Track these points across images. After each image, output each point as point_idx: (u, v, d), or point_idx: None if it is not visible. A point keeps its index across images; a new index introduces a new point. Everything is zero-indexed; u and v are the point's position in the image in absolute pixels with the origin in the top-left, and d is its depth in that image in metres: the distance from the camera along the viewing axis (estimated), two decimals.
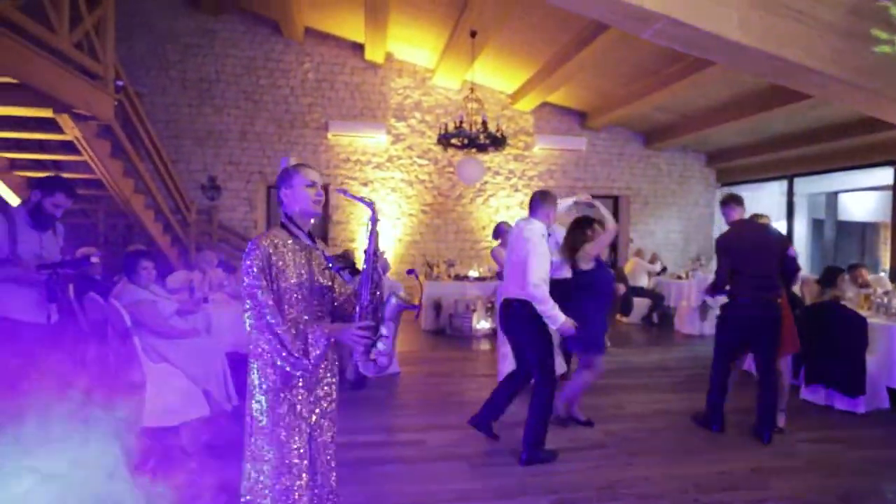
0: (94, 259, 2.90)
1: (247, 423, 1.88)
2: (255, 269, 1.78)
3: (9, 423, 2.60)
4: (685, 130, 8.63)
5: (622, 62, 7.00)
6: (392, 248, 9.21)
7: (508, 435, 3.67)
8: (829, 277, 4.85)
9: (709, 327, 7.10)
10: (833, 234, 10.51)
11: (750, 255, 3.62)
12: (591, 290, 3.58)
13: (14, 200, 5.49)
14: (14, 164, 5.42)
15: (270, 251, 1.82)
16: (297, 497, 1.83)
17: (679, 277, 8.12)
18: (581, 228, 3.70)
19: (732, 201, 3.84)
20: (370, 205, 1.95)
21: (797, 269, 3.97)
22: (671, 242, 10.19)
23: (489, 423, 3.48)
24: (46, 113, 4.35)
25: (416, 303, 2.08)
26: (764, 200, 9.67)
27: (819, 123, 7.36)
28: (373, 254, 1.92)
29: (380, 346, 1.84)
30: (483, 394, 4.52)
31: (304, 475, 1.84)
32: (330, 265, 1.97)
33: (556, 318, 3.06)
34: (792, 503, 2.79)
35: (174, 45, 8.52)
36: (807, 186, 9.54)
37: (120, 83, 5.06)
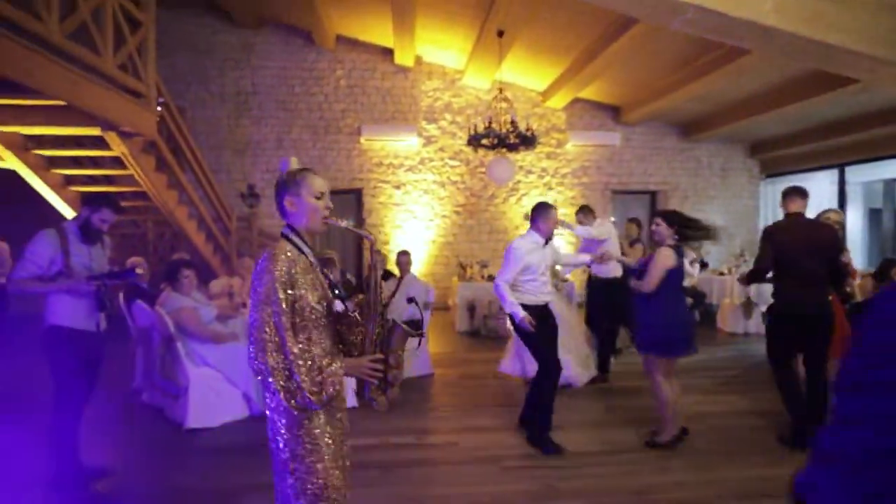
0: (138, 270, 3.05)
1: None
2: (275, 289, 1.54)
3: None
4: (725, 121, 8.32)
5: (655, 54, 6.82)
6: (426, 249, 9.29)
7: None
8: (882, 270, 4.59)
9: (753, 325, 6.83)
10: (893, 224, 9.88)
11: (801, 251, 3.41)
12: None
13: (70, 214, 5.86)
14: (69, 181, 5.77)
15: (292, 268, 1.59)
16: None
17: (721, 273, 7.83)
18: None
19: (793, 192, 3.63)
20: (369, 237, 1.76)
21: (847, 274, 3.71)
22: None
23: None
24: (95, 131, 4.63)
25: (421, 333, 1.93)
26: (812, 190, 9.19)
27: (870, 107, 6.95)
28: (375, 285, 1.78)
29: (389, 377, 1.70)
30: (518, 396, 4.52)
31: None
32: (336, 291, 1.75)
33: (516, 313, 3.37)
34: None
35: (213, 60, 8.87)
36: (861, 174, 9.01)
37: (162, 100, 5.31)
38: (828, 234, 3.52)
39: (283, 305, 1.54)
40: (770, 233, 3.60)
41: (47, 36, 3.40)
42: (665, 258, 3.24)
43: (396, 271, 5.62)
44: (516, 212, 9.51)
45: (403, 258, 5.42)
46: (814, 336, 3.43)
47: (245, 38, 8.91)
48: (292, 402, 1.53)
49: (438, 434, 3.71)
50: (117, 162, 5.62)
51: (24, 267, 2.79)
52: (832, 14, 3.90)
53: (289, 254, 1.62)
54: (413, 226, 9.30)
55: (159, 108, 5.22)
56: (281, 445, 1.61)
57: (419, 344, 4.60)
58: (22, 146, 5.02)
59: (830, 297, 3.46)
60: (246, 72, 8.94)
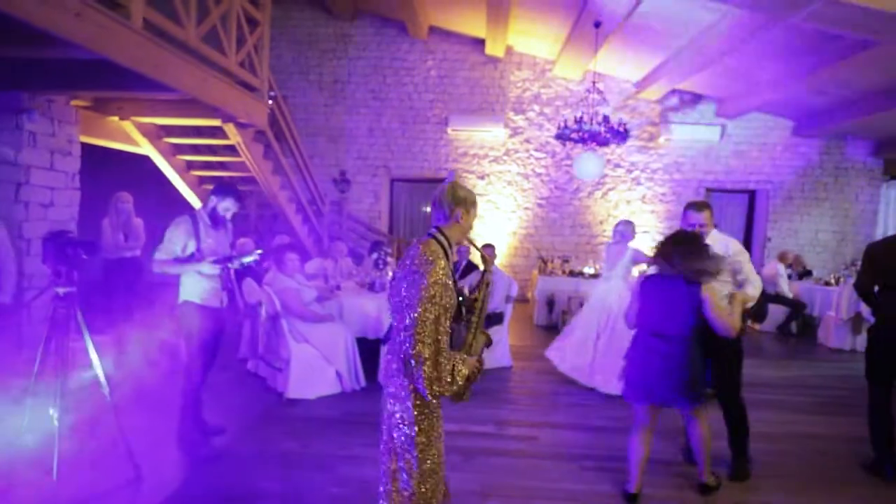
0: (256, 255, 3.38)
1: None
2: (440, 290, 1.70)
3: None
4: (846, 115, 7.57)
5: (768, 43, 6.33)
6: (506, 241, 9.33)
7: (621, 439, 3.64)
8: None
9: (861, 342, 6.26)
10: None
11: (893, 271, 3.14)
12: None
13: (190, 196, 6.53)
14: (189, 166, 6.42)
15: (448, 271, 1.76)
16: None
17: (827, 283, 7.23)
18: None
19: None
20: (490, 253, 2.00)
21: None
22: (820, 243, 9.05)
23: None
24: (216, 122, 5.12)
25: (490, 341, 2.04)
26: None
27: None
28: (486, 291, 1.98)
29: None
30: (596, 394, 4.51)
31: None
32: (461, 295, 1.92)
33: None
34: None
35: (313, 51, 9.37)
36: None
37: (273, 94, 5.73)
38: None
39: (446, 307, 1.73)
40: (871, 250, 3.32)
41: (186, 40, 3.80)
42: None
43: (480, 264, 5.74)
44: (602, 206, 9.29)
45: (488, 251, 5.52)
46: None
47: (342, 30, 9.32)
48: (433, 388, 1.71)
49: (518, 426, 3.82)
50: (230, 150, 6.17)
51: (163, 249, 3.20)
52: None
53: (446, 258, 1.80)
54: (495, 217, 9.37)
55: (270, 101, 5.64)
56: (409, 424, 1.80)
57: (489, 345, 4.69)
58: (155, 135, 5.66)
59: None
60: (342, 62, 9.36)
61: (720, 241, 3.09)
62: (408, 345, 1.72)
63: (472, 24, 8.60)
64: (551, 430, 3.77)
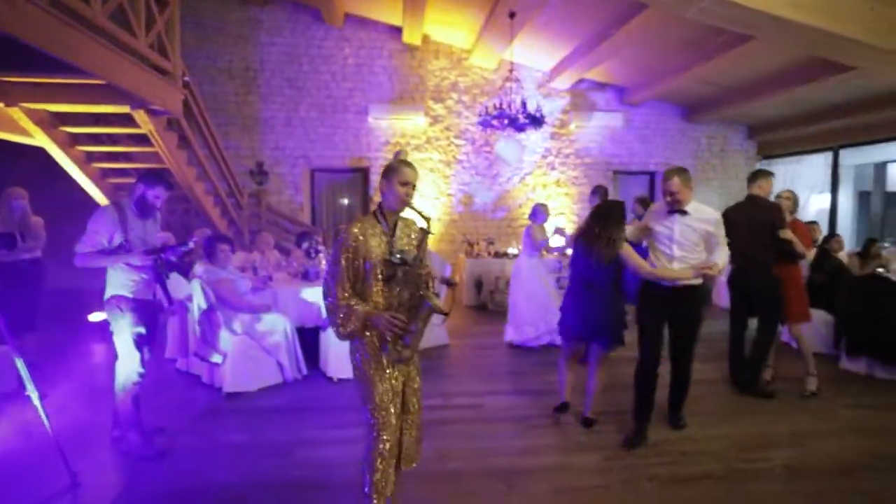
0: (190, 244, 3.26)
1: None
2: (337, 252, 2.04)
3: None
4: (728, 103, 8.53)
5: (664, 36, 6.96)
6: (432, 227, 9.48)
7: (558, 400, 3.95)
8: (866, 250, 4.93)
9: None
10: (881, 206, 10.23)
11: (743, 229, 3.86)
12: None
13: (91, 189, 6.01)
14: (91, 157, 5.89)
15: (355, 239, 2.04)
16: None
17: None
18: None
19: (752, 176, 4.18)
20: (427, 221, 2.20)
21: (794, 250, 3.90)
22: None
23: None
24: (124, 109, 4.76)
25: (446, 312, 2.36)
26: (805, 173, 9.50)
27: (866, 93, 7.19)
28: (419, 261, 2.13)
29: (406, 339, 2.05)
30: (531, 362, 4.82)
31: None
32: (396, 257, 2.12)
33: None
34: (828, 461, 2.99)
35: (222, 36, 8.88)
36: (852, 158, 9.29)
37: (187, 79, 5.42)
38: (765, 214, 3.92)
39: (342, 263, 2.03)
40: (724, 214, 3.93)
41: (93, 18, 3.52)
42: None
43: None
44: (520, 190, 9.73)
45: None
46: (758, 303, 3.97)
47: (252, 14, 8.91)
48: (339, 331, 2.06)
49: (463, 396, 4.01)
50: (136, 140, 5.75)
51: (87, 241, 2.99)
52: (837, 6, 4.11)
53: (362, 224, 2.10)
54: (419, 204, 9.48)
55: (184, 87, 5.33)
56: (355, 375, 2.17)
57: (443, 321, 5.08)
58: (49, 123, 5.14)
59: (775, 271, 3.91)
60: (254, 48, 8.97)
61: (700, 211, 3.19)
62: (323, 297, 2.09)
63: (388, 12, 8.60)
64: (494, 397, 4.00)
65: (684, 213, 3.12)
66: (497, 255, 8.08)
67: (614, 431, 3.37)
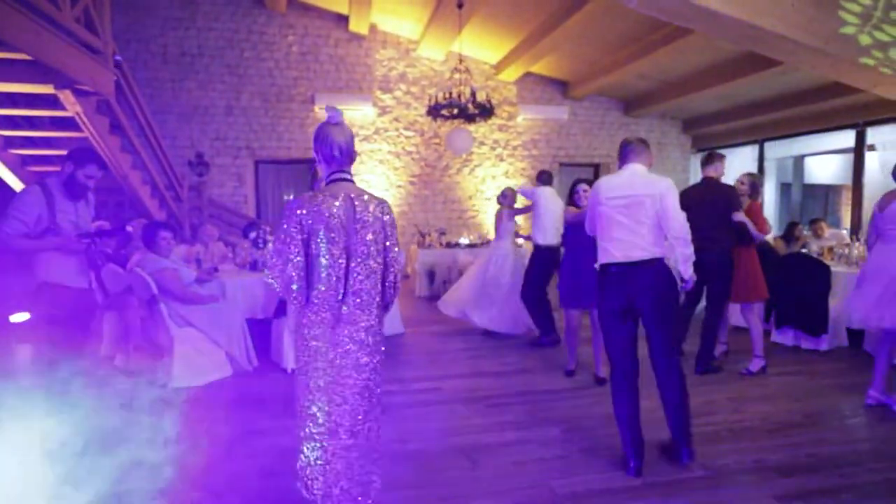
0: (129, 228, 3.05)
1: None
2: (284, 229, 1.89)
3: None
4: (664, 98, 8.96)
5: (606, 31, 7.22)
6: None
7: (516, 380, 4.03)
8: (788, 233, 5.33)
9: None
10: (800, 196, 11.09)
11: (697, 210, 3.88)
12: None
13: (10, 179, 5.52)
14: (8, 143, 5.41)
15: (303, 213, 1.90)
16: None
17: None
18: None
19: (706, 159, 4.32)
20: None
21: (747, 232, 4.10)
22: None
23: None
24: (47, 89, 4.39)
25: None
26: (735, 165, 10.13)
27: (788, 89, 7.76)
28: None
29: None
30: (486, 347, 4.88)
31: None
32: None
33: None
34: (764, 422, 3.21)
35: (153, 19, 8.38)
36: (776, 151, 10.01)
37: (118, 58, 5.08)
38: (717, 197, 4.09)
39: (286, 245, 1.90)
40: (681, 195, 4.14)
41: None
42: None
43: None
44: (470, 182, 9.81)
45: None
46: (708, 283, 4.08)
47: None
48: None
49: (420, 381, 4.00)
50: (60, 124, 5.33)
51: (10, 224, 2.74)
52: (764, 2, 4.40)
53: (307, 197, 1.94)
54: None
55: (116, 67, 4.99)
56: None
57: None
58: None
59: (731, 250, 4.08)
60: (191, 32, 8.53)
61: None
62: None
63: (333, 0, 8.41)
64: (452, 380, 4.02)
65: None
66: (449, 245, 8.10)
67: (572, 406, 3.46)
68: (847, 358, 4.51)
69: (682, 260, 2.74)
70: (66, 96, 4.48)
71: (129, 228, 3.06)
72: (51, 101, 4.71)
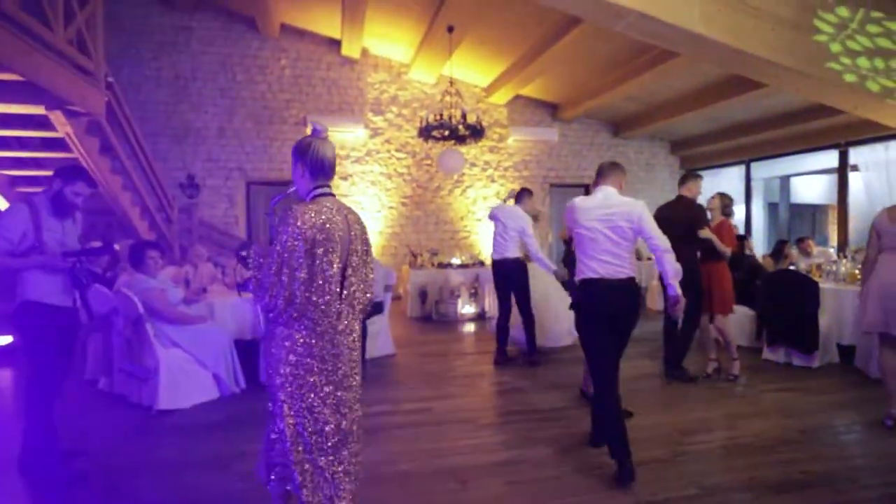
0: (116, 246, 3.01)
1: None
2: (285, 242, 1.83)
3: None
4: (652, 120, 9.12)
5: (594, 54, 7.38)
6: (375, 240, 9.39)
7: (508, 399, 3.98)
8: (776, 250, 5.38)
9: None
10: (787, 215, 11.25)
11: (666, 227, 4.03)
12: None
13: None
14: None
15: (307, 225, 1.89)
16: None
17: (649, 259, 8.59)
18: None
19: (681, 179, 4.49)
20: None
21: (714, 248, 4.23)
22: None
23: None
24: (38, 110, 4.39)
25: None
26: (723, 185, 10.27)
27: (772, 111, 7.93)
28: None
29: None
30: (477, 368, 4.83)
31: None
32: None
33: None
34: (758, 439, 3.18)
35: (148, 43, 8.47)
36: (762, 171, 10.19)
37: (110, 79, 5.11)
38: (685, 214, 4.23)
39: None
40: (655, 212, 4.25)
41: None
42: None
43: None
44: (462, 203, 9.86)
45: None
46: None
47: (181, 21, 8.58)
48: None
49: (411, 402, 3.93)
50: (50, 145, 5.32)
51: None
52: (747, 26, 4.52)
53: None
54: (361, 217, 9.34)
55: (108, 88, 5.01)
56: None
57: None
58: None
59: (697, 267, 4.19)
60: (185, 56, 8.62)
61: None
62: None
63: (325, 24, 8.55)
64: (443, 401, 3.96)
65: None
66: (440, 265, 8.09)
67: (565, 426, 3.41)
68: (839, 374, 4.50)
69: (673, 274, 2.79)
70: (56, 117, 4.48)
71: (116, 247, 3.02)
72: (41, 122, 4.71)
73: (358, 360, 2.00)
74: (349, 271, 1.91)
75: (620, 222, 2.80)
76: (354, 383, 1.96)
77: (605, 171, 2.98)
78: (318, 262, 1.81)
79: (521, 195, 5.25)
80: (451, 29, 7.05)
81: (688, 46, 4.80)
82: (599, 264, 2.80)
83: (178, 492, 2.62)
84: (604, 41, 6.70)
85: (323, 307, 1.84)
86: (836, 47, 4.47)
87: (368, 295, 2.00)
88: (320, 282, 1.82)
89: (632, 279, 2.84)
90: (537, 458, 2.95)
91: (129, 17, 8.33)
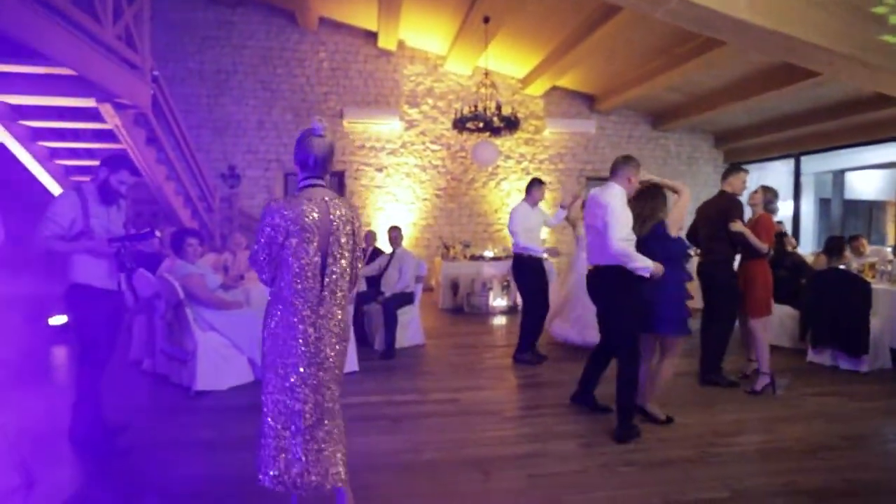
0: (157, 234, 3.14)
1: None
2: (265, 230, 2.09)
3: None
4: (694, 111, 8.80)
5: (632, 44, 7.17)
6: (407, 231, 9.46)
7: (536, 393, 3.95)
8: (832, 247, 5.09)
9: None
10: (840, 212, 10.67)
11: (701, 222, 4.23)
12: (676, 262, 3.26)
13: (55, 188, 5.79)
14: (53, 154, 5.69)
15: (281, 214, 2.10)
16: None
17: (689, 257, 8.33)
18: (654, 196, 3.45)
19: (724, 173, 4.31)
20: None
21: (747, 244, 3.98)
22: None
23: (590, 397, 3.53)
24: (89, 103, 4.61)
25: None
26: (769, 180, 9.83)
27: (825, 101, 7.52)
28: None
29: None
30: (506, 361, 4.81)
31: None
32: None
33: (646, 266, 2.96)
34: (798, 444, 3.04)
35: (192, 37, 8.75)
36: (813, 165, 9.70)
37: (155, 73, 5.30)
38: (718, 208, 4.08)
39: None
40: (697, 209, 4.33)
41: (54, 0, 3.41)
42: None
43: (386, 248, 5.84)
44: (496, 195, 9.80)
45: (394, 233, 5.62)
46: (713, 295, 4.08)
47: (223, 16, 8.82)
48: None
49: (439, 392, 3.96)
50: (99, 136, 5.57)
51: (47, 226, 2.85)
52: (797, 10, 4.29)
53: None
54: (395, 208, 9.47)
55: (153, 82, 5.21)
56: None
57: None
58: (8, 116, 4.94)
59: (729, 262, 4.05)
60: (227, 50, 8.86)
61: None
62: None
63: (363, 17, 8.62)
64: (471, 392, 3.96)
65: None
66: (473, 258, 8.08)
67: (592, 420, 3.36)
68: (890, 380, 4.26)
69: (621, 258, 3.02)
70: (106, 109, 4.69)
71: (157, 234, 3.15)
72: (92, 114, 4.94)
73: (343, 342, 2.13)
74: (330, 260, 2.04)
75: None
76: (334, 364, 2.09)
77: (612, 168, 3.29)
78: (292, 250, 1.98)
79: (528, 187, 5.13)
80: (486, 20, 6.98)
81: (733, 33, 4.59)
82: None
83: (211, 468, 2.73)
84: (643, 30, 6.50)
85: (303, 293, 2.00)
86: (893, 19, 4.16)
87: (350, 282, 2.14)
88: (297, 269, 1.99)
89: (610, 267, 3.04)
90: (562, 452, 2.92)
91: (175, 10, 8.62)
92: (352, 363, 4.37)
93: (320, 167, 2.11)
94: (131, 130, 5.15)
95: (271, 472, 2.04)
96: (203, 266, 4.23)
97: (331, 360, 2.07)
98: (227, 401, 3.76)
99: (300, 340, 2.00)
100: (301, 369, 2.02)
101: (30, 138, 5.30)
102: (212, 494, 2.49)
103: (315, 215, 2.00)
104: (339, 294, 2.08)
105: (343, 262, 2.07)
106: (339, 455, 2.09)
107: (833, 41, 4.44)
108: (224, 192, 8.61)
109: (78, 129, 5.68)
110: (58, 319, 5.53)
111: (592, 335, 4.56)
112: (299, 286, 1.99)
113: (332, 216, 2.04)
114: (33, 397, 3.71)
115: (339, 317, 2.09)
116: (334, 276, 2.05)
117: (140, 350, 4.65)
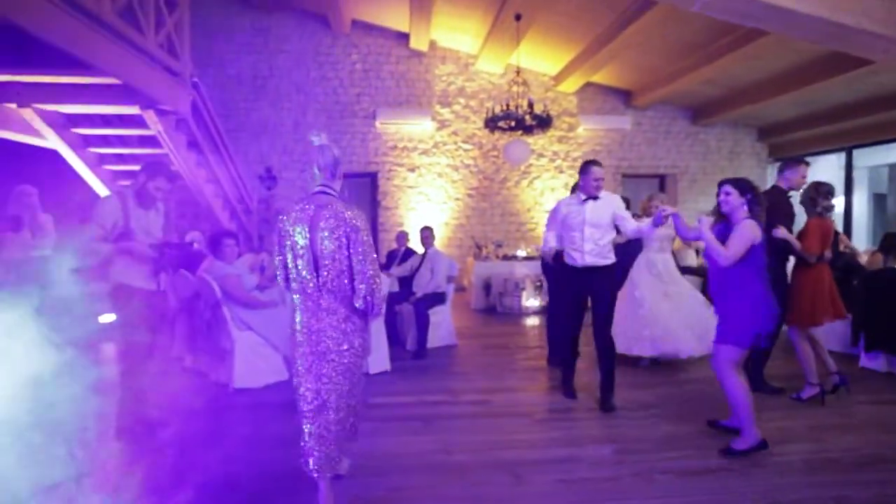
0: (196, 244, 3.25)
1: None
2: (277, 234, 2.41)
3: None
4: (736, 105, 8.47)
5: (668, 38, 6.95)
6: (440, 231, 9.48)
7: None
8: (889, 244, 4.79)
9: None
10: None
11: None
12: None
13: (104, 191, 6.06)
14: (102, 160, 5.96)
15: (283, 219, 2.41)
16: None
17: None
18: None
19: (779, 168, 3.98)
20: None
21: (788, 248, 3.73)
22: None
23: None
24: (133, 110, 4.81)
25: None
26: (819, 175, 9.33)
27: (880, 91, 7.09)
28: None
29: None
30: (540, 362, 4.74)
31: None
32: None
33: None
34: (848, 455, 2.88)
35: (229, 44, 9.00)
36: (867, 159, 9.16)
37: (195, 79, 5.48)
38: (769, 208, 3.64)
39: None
40: None
41: (100, 14, 3.57)
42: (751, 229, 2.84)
43: (419, 248, 5.85)
44: (528, 194, 9.70)
45: (426, 233, 5.63)
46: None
47: (259, 22, 9.04)
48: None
49: (470, 393, 3.94)
50: (144, 141, 5.80)
51: (92, 229, 2.99)
52: None
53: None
54: (427, 208, 9.49)
55: (194, 88, 5.39)
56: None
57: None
58: (61, 125, 5.20)
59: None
60: (263, 55, 9.08)
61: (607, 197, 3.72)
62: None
63: (394, 18, 8.67)
64: (502, 394, 3.93)
65: (596, 198, 3.60)
66: (505, 258, 8.02)
67: (627, 426, 3.28)
68: None
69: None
70: (149, 116, 4.89)
71: (195, 245, 3.26)
72: (136, 121, 5.15)
73: (350, 338, 2.30)
74: (321, 262, 2.24)
75: None
76: (340, 359, 2.28)
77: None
78: (287, 250, 2.27)
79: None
80: (518, 17, 6.91)
81: (777, 23, 4.40)
82: None
83: (248, 464, 2.80)
84: (679, 24, 6.28)
85: (304, 287, 2.27)
86: None
87: (346, 282, 2.25)
88: (293, 266, 2.27)
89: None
90: (594, 458, 2.86)
91: (214, 17, 8.89)
92: (383, 363, 4.40)
93: (328, 174, 2.38)
94: (173, 135, 5.35)
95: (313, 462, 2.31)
96: (240, 266, 4.34)
97: (333, 352, 2.26)
98: (263, 398, 3.85)
99: (299, 329, 2.28)
100: (304, 357, 2.28)
101: (81, 145, 5.57)
102: (250, 489, 2.55)
103: (303, 219, 2.25)
104: (339, 293, 2.25)
105: (338, 263, 2.22)
106: (334, 447, 2.30)
107: (888, 27, 4.18)
108: (262, 194, 8.83)
109: (124, 136, 5.94)
110: (107, 318, 5.80)
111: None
112: (299, 281, 2.26)
113: (322, 219, 2.22)
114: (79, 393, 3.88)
115: (344, 314, 2.27)
116: (326, 275, 2.23)
117: (182, 348, 4.81)
